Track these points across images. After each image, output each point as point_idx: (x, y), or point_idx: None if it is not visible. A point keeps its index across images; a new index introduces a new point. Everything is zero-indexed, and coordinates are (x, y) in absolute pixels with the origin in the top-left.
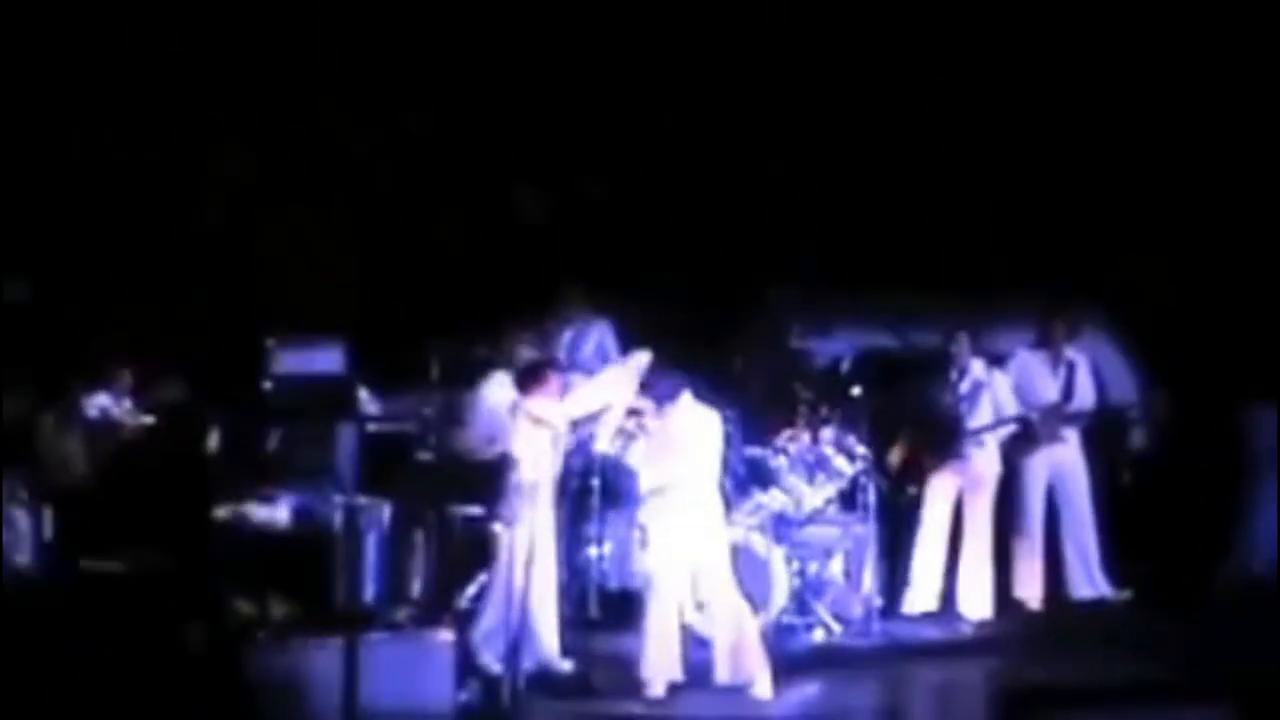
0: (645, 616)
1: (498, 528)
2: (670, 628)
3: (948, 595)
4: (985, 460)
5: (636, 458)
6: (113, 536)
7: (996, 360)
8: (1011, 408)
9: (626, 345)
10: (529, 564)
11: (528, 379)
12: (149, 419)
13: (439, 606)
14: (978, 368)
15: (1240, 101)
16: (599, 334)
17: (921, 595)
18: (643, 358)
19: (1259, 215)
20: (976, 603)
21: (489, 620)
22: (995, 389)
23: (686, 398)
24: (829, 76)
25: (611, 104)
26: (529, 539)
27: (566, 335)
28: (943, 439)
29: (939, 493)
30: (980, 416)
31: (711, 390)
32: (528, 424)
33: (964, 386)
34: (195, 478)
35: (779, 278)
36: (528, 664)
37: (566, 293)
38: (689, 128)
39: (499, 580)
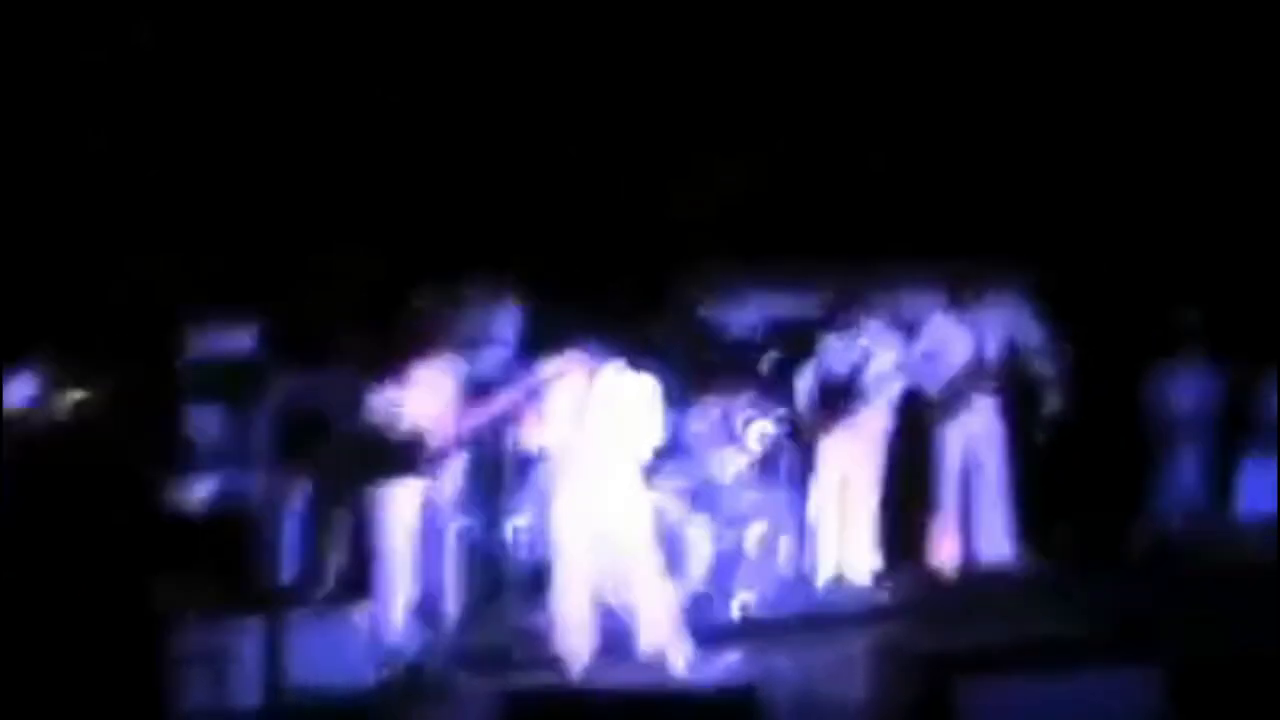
0: (557, 587)
1: (405, 501)
2: (582, 599)
3: (846, 558)
4: (872, 420)
5: (544, 426)
6: (32, 521)
7: (907, 326)
8: (891, 368)
9: (534, 324)
10: (438, 536)
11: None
12: (66, 401)
13: (359, 584)
14: (865, 331)
15: (1162, 60)
16: (505, 313)
17: (823, 561)
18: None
19: (1177, 174)
20: (873, 563)
21: (402, 594)
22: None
23: (609, 365)
24: (730, 46)
25: (523, 88)
26: (437, 510)
27: (474, 315)
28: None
29: (830, 456)
30: (866, 378)
31: (628, 359)
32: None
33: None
34: (114, 460)
35: (691, 250)
36: (445, 639)
37: (474, 273)
38: (590, 102)
39: (408, 554)
